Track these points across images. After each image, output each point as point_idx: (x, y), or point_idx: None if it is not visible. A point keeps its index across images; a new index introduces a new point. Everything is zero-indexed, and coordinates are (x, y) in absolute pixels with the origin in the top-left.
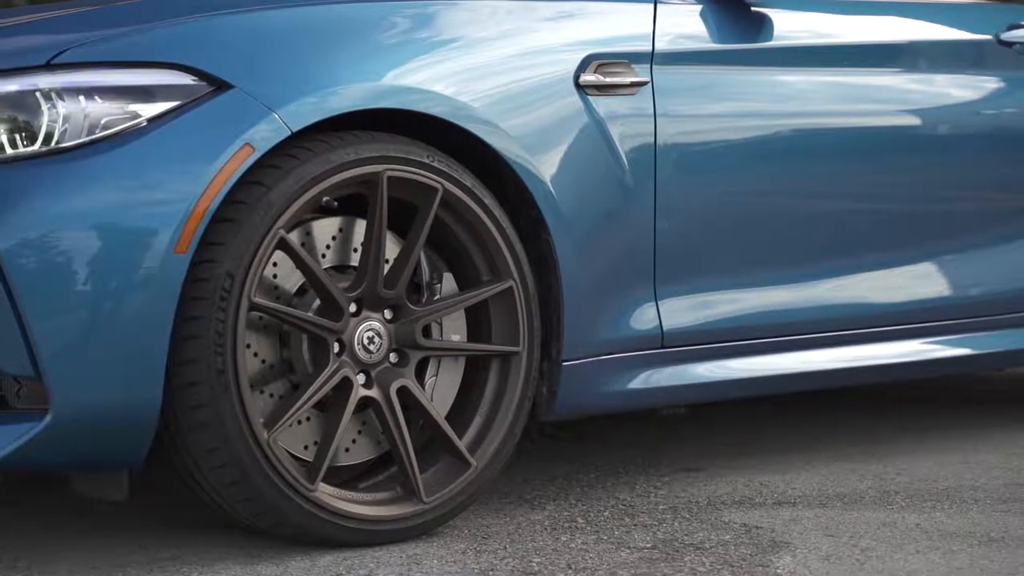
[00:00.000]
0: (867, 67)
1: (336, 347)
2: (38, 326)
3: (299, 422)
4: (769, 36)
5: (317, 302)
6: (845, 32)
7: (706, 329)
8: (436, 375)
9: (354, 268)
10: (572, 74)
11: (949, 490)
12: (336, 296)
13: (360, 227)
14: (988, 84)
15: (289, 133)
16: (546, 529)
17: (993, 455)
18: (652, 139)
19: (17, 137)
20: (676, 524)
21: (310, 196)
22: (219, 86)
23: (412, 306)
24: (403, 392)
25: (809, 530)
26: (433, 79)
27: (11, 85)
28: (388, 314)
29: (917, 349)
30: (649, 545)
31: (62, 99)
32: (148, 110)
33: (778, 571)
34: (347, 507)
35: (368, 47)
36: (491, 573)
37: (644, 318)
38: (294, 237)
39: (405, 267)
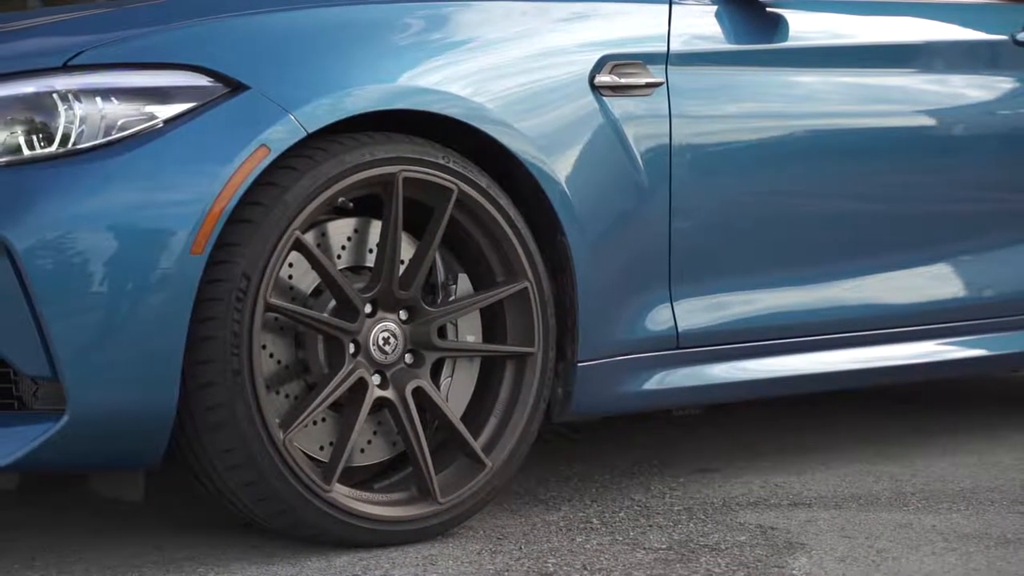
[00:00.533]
0: (882, 68)
1: (351, 348)
2: (55, 326)
3: (314, 423)
4: (784, 37)
5: (332, 303)
6: (860, 33)
7: (721, 330)
8: (451, 376)
9: (369, 269)
10: (587, 75)
11: (965, 491)
12: (351, 297)
13: (375, 228)
14: (1004, 84)
15: (305, 134)
16: (561, 530)
17: (1009, 456)
18: (667, 140)
19: (34, 138)
20: (691, 525)
21: (326, 197)
22: (235, 87)
23: (427, 307)
24: (418, 393)
25: (825, 531)
26: (448, 80)
27: (28, 87)
28: (403, 315)
29: (933, 350)
30: (664, 546)
31: (79, 100)
32: (164, 111)
33: (794, 572)
34: (363, 508)
35: (383, 48)
36: (506, 574)
37: (659, 319)
38: (310, 238)
39: (420, 268)
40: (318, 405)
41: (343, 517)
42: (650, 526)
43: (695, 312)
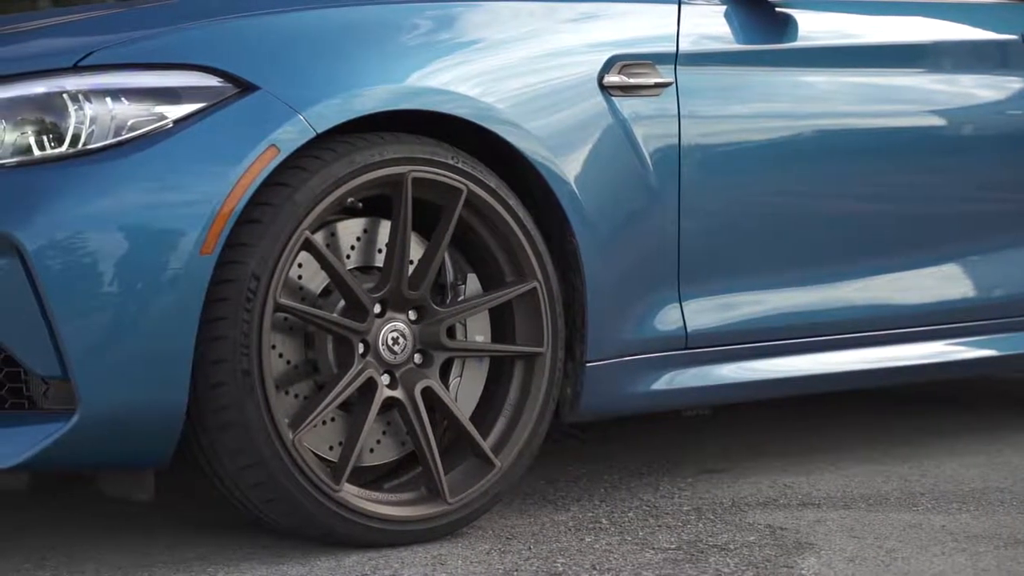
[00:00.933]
0: (891, 68)
1: (361, 348)
2: (66, 326)
3: (324, 423)
4: (793, 37)
5: (342, 303)
6: (869, 32)
7: (730, 330)
8: (460, 376)
9: (379, 269)
10: (596, 75)
11: (975, 491)
12: (361, 297)
13: (385, 228)
14: (1013, 84)
15: (314, 134)
16: (570, 530)
17: (1019, 456)
18: (676, 140)
19: (45, 139)
20: (700, 525)
21: (335, 197)
22: (245, 88)
23: (436, 307)
24: (427, 393)
25: (834, 531)
26: (457, 80)
27: (38, 87)
28: (412, 315)
29: (942, 350)
30: (673, 546)
31: (89, 101)
32: (174, 112)
33: (803, 572)
34: (372, 507)
35: (392, 49)
36: (515, 574)
37: (668, 319)
38: (319, 238)
39: (429, 268)
40: (327, 405)
41: (352, 517)
42: (659, 526)
43: (704, 312)
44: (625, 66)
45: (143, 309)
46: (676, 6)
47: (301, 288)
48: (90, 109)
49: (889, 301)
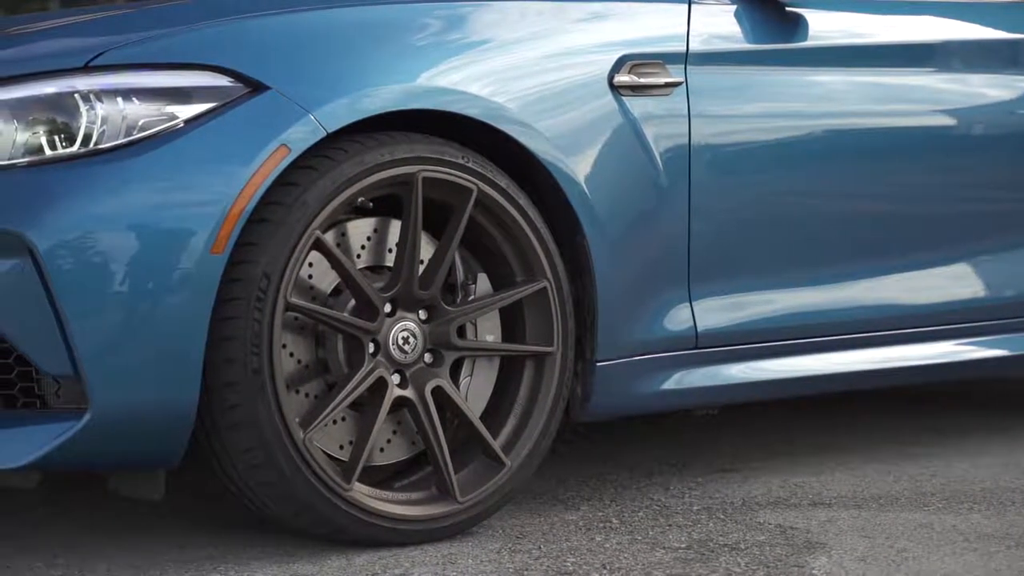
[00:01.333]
0: (902, 67)
1: (371, 347)
2: (76, 326)
3: (334, 422)
4: (804, 36)
5: (352, 302)
6: (880, 32)
7: (740, 330)
8: (471, 375)
9: (389, 268)
10: (606, 75)
11: (986, 491)
12: (371, 296)
13: (395, 228)
14: None
15: (325, 134)
16: (580, 529)
17: None
18: (686, 140)
19: (56, 138)
20: (711, 525)
21: (345, 197)
22: (255, 87)
23: (447, 306)
24: (438, 392)
25: (845, 531)
26: (467, 80)
27: (50, 87)
28: (423, 314)
29: (952, 350)
30: (684, 545)
31: (100, 101)
32: (185, 111)
33: (814, 572)
34: (382, 507)
35: (402, 48)
36: (526, 573)
37: (678, 319)
38: (329, 237)
39: (440, 267)
40: (338, 404)
41: (363, 516)
42: (669, 525)
43: (714, 312)
44: (635, 66)
45: (154, 309)
46: (686, 6)
47: (311, 287)
48: (101, 109)
49: (899, 301)
